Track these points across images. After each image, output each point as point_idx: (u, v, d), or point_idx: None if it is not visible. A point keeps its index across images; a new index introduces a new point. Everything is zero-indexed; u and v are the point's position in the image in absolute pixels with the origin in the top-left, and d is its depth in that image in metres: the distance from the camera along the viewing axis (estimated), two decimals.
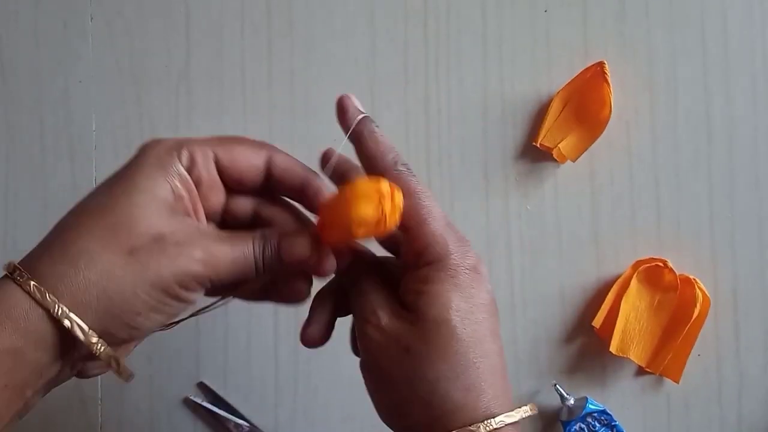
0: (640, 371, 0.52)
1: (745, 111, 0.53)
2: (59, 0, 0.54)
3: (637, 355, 0.51)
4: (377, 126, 0.35)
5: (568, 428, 0.50)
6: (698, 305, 0.51)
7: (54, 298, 0.30)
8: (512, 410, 0.32)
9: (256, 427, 0.52)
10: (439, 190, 0.53)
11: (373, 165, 0.34)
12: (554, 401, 0.52)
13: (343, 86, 0.53)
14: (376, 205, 0.31)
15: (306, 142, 0.52)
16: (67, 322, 0.30)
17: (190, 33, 0.54)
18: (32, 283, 0.30)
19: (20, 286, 0.30)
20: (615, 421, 0.50)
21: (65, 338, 0.30)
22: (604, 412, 0.50)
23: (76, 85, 0.54)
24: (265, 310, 0.52)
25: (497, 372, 0.33)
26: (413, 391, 0.32)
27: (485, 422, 0.31)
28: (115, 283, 0.30)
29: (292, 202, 0.37)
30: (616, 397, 0.53)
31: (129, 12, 0.54)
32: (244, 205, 0.36)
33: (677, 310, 0.51)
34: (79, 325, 0.30)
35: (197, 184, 0.34)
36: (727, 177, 0.53)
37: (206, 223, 0.35)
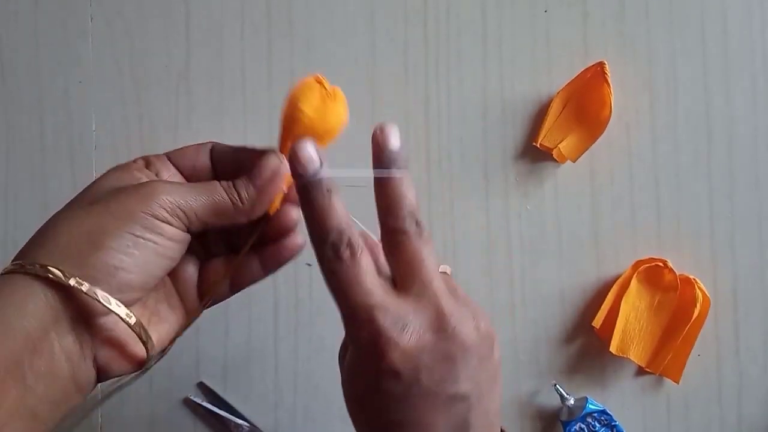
0: (640, 371, 0.52)
1: (745, 111, 0.53)
2: (59, 0, 0.54)
3: (637, 355, 0.51)
4: (405, 167, 0.34)
5: (568, 428, 0.50)
6: (698, 305, 0.51)
7: (24, 261, 0.30)
8: None
9: (256, 427, 0.52)
10: (439, 190, 0.53)
11: (384, 216, 0.33)
12: (554, 401, 0.52)
13: (343, 86, 0.53)
14: (317, 89, 0.34)
15: None
16: (45, 272, 0.30)
17: (190, 33, 0.54)
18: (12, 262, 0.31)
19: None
20: (615, 421, 0.50)
21: (47, 298, 0.30)
22: (604, 412, 0.50)
23: (76, 85, 0.54)
24: (265, 310, 0.52)
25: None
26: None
27: None
28: (82, 226, 0.31)
29: None
30: (616, 397, 0.53)
31: (129, 12, 0.54)
32: None
33: (677, 310, 0.51)
34: (60, 274, 0.30)
35: (157, 174, 0.35)
36: (727, 177, 0.53)
37: None
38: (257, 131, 0.53)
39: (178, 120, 0.53)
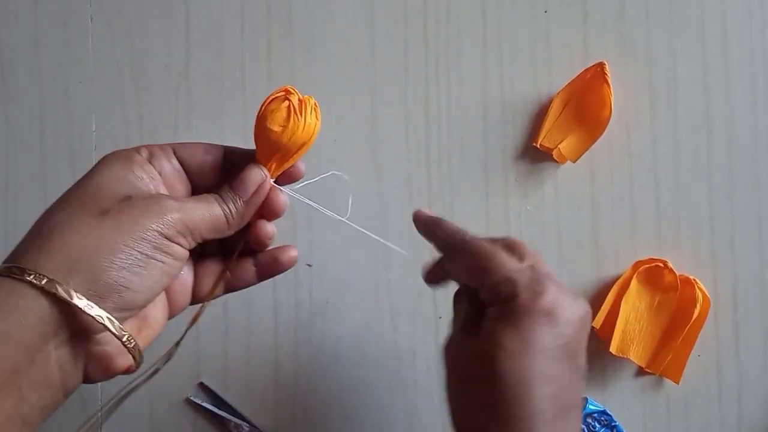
0: (640, 372, 0.52)
1: (745, 111, 0.53)
2: (59, 0, 0.54)
3: (637, 355, 0.51)
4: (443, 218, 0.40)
5: None
6: (698, 306, 0.51)
7: (30, 269, 0.30)
8: None
9: (256, 427, 0.52)
10: (439, 190, 0.53)
11: (445, 242, 0.39)
12: None
13: (343, 86, 0.54)
14: (283, 107, 0.35)
15: None
16: (54, 288, 0.30)
17: (190, 33, 0.54)
18: (8, 266, 0.30)
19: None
20: (615, 422, 0.50)
21: (51, 311, 0.30)
22: (604, 412, 0.50)
23: (76, 85, 0.54)
24: (265, 310, 0.52)
25: (538, 414, 0.32)
26: (454, 412, 0.35)
27: None
28: (93, 239, 0.31)
29: None
30: (616, 397, 0.53)
31: (129, 12, 0.54)
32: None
33: (677, 310, 0.51)
34: (66, 291, 0.30)
35: (160, 172, 0.35)
36: (727, 177, 0.53)
37: None
38: None
39: (178, 120, 0.53)
